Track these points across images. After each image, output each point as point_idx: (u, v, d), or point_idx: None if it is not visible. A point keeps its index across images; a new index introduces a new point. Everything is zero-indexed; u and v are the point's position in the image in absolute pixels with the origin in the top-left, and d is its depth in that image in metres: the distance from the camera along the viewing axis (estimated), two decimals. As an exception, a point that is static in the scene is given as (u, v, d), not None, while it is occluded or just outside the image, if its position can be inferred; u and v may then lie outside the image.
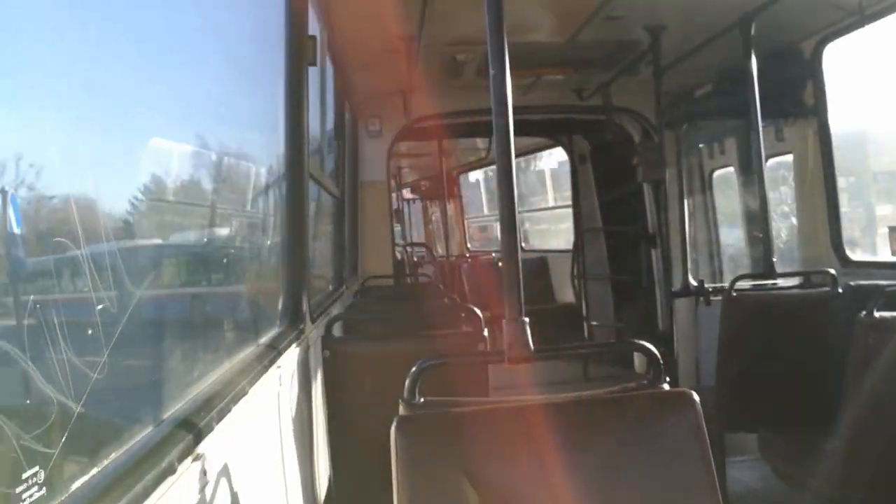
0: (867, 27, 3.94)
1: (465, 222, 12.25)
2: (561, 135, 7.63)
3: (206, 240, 2.03)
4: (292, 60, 2.78)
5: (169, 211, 1.82)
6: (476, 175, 12.09)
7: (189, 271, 1.87)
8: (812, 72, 4.29)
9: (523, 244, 10.09)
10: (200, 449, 1.39)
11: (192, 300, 1.87)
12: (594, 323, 7.29)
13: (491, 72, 1.52)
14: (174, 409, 1.42)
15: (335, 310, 3.51)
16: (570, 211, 8.11)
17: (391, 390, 1.52)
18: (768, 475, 3.54)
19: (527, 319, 1.49)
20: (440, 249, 13.01)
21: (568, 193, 8.29)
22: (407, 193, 13.33)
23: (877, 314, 2.47)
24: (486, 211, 12.89)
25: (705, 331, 4.98)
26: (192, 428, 1.37)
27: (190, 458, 1.32)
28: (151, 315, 1.52)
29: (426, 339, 2.63)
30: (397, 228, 13.92)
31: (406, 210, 13.70)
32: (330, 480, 2.75)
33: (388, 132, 5.70)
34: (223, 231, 2.38)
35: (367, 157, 5.71)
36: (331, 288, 4.33)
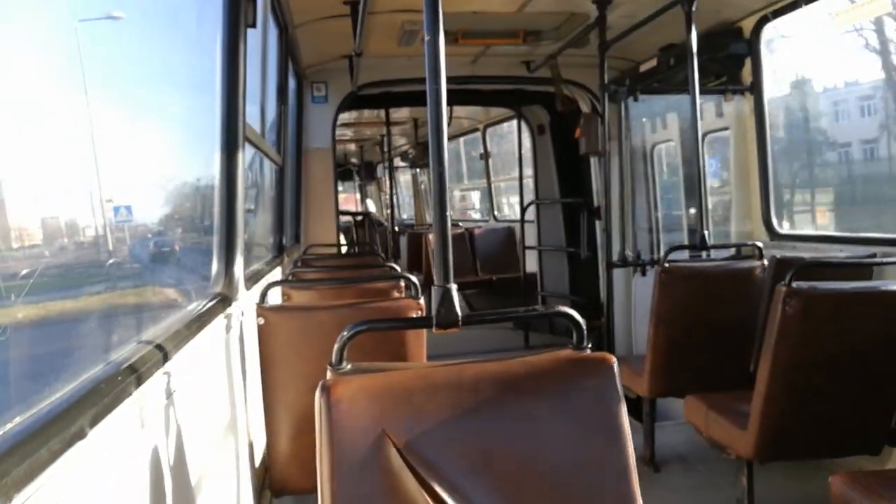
0: (804, 8, 4.06)
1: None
2: (516, 105, 7.63)
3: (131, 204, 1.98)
4: (230, 20, 2.71)
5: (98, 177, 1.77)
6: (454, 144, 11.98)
7: (106, 235, 1.83)
8: (750, 50, 4.40)
9: (496, 213, 10.12)
10: (118, 414, 1.37)
11: (110, 267, 1.83)
12: (541, 292, 7.44)
13: (425, 37, 1.49)
14: (90, 372, 1.40)
15: (273, 278, 3.47)
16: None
17: (324, 357, 1.53)
18: (693, 437, 3.72)
19: (454, 286, 1.52)
20: (428, 218, 12.85)
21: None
22: (398, 161, 13.09)
23: (794, 284, 2.58)
24: (465, 181, 12.79)
25: (640, 301, 5.14)
26: (110, 393, 1.36)
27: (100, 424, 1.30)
28: (64, 280, 1.49)
29: (361, 307, 2.63)
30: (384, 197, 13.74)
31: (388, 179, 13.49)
32: (265, 447, 2.76)
33: (334, 98, 5.62)
34: (150, 195, 2.33)
35: (312, 124, 5.60)
36: (270, 256, 4.28)
